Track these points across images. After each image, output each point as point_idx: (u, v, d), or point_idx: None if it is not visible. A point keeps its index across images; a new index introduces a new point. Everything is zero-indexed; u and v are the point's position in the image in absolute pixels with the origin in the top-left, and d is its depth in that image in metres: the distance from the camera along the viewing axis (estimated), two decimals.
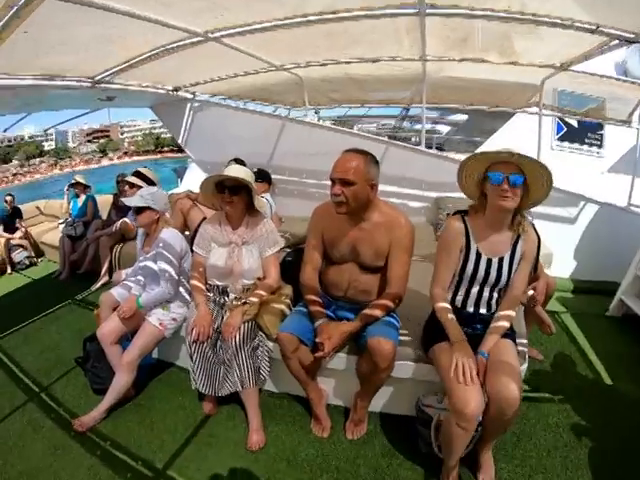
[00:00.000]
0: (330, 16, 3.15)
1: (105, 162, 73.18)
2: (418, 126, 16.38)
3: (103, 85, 4.35)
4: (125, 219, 5.08)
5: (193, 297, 2.83)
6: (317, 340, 2.26)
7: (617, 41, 3.17)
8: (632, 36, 3.03)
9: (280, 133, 5.71)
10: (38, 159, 71.27)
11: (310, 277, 2.54)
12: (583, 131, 7.78)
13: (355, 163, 2.20)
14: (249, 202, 2.76)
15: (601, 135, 7.78)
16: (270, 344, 2.69)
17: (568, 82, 5.08)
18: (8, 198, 6.73)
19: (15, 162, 68.60)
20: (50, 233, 6.68)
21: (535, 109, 5.58)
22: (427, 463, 2.36)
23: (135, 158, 72.11)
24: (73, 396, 3.08)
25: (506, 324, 2.17)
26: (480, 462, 2.25)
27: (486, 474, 2.23)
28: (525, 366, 2.39)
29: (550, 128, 7.53)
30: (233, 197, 2.65)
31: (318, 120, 7.75)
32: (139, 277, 3.10)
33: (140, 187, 3.78)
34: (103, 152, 78.51)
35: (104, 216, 6.07)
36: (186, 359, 2.77)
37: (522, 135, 6.14)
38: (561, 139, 7.81)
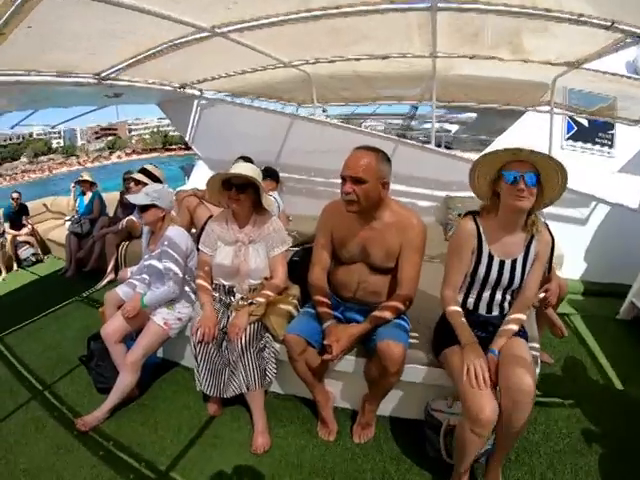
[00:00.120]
0: (338, 10, 3.10)
1: (113, 159, 73.45)
2: (426, 125, 16.31)
3: (109, 81, 4.32)
4: (131, 217, 5.06)
5: (198, 297, 2.79)
6: (325, 342, 2.22)
7: (631, 39, 3.11)
8: None
9: (288, 131, 5.66)
10: (46, 156, 71.64)
11: (318, 277, 2.49)
12: (594, 130, 7.69)
13: (367, 160, 2.15)
14: (256, 200, 2.71)
15: (612, 135, 7.68)
16: (277, 345, 2.65)
17: (578, 80, 5.02)
18: (15, 195, 6.75)
19: (23, 159, 68.99)
20: (56, 230, 6.72)
21: (546, 107, 5.51)
22: (435, 468, 2.32)
23: (144, 156, 72.30)
24: (76, 395, 3.06)
25: (515, 327, 2.11)
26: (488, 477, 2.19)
27: None
28: (538, 370, 2.33)
29: (560, 127, 7.45)
30: (240, 195, 2.60)
31: (326, 118, 7.70)
32: (144, 275, 3.07)
33: (146, 184, 3.74)
34: (111, 150, 78.77)
35: (111, 214, 6.08)
36: (191, 359, 2.73)
37: (532, 134, 6.05)
38: (571, 138, 7.73)
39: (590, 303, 4.43)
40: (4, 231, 6.54)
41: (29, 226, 6.79)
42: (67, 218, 6.44)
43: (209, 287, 2.78)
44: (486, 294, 2.18)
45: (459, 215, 2.52)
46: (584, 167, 6.89)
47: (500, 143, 7.38)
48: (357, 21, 3.31)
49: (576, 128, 7.70)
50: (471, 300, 2.22)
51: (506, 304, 2.20)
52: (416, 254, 2.29)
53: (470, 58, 4.29)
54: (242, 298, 2.68)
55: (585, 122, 7.60)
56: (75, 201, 6.18)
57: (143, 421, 2.77)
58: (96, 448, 2.55)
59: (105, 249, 5.26)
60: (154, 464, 2.44)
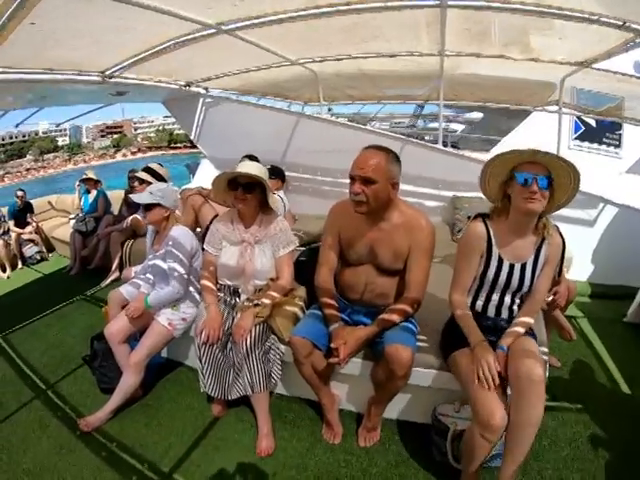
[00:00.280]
0: (348, 7, 3.07)
1: (119, 157, 73.70)
2: (432, 124, 16.29)
3: (114, 79, 4.31)
4: (136, 215, 5.05)
5: (203, 297, 2.77)
6: (332, 345, 2.19)
7: None
8: None
9: (294, 129, 5.62)
10: (52, 154, 71.97)
11: (325, 279, 2.45)
12: (601, 130, 7.66)
13: (376, 160, 2.11)
14: (263, 200, 2.67)
15: (619, 135, 7.65)
16: (282, 347, 2.62)
17: (586, 80, 4.97)
18: (19, 193, 6.77)
19: (29, 157, 69.29)
20: (61, 228, 6.72)
21: (553, 107, 5.47)
22: (441, 473, 2.29)
23: (149, 154, 72.53)
24: (80, 394, 3.05)
25: (522, 330, 2.08)
26: None
27: None
28: (546, 375, 2.30)
29: (568, 127, 7.40)
30: (247, 195, 2.56)
31: (331, 117, 7.69)
32: (148, 275, 3.04)
33: (150, 183, 3.72)
34: (116, 148, 79.01)
35: (115, 212, 6.08)
36: (195, 359, 2.69)
37: (539, 134, 6.03)
38: (579, 138, 7.69)
39: (597, 305, 4.37)
40: (9, 229, 6.54)
41: (34, 224, 6.79)
42: (72, 216, 6.45)
43: (214, 287, 2.75)
44: (495, 297, 2.16)
45: (468, 217, 2.48)
46: (591, 167, 6.84)
47: (507, 143, 7.37)
48: (366, 19, 3.28)
49: (583, 128, 7.67)
50: (480, 303, 2.19)
51: (515, 307, 2.17)
52: (425, 256, 2.25)
53: (478, 57, 4.26)
54: (247, 299, 2.65)
55: (593, 122, 7.57)
56: (80, 199, 6.16)
57: (146, 422, 2.75)
58: (99, 449, 2.53)
59: (110, 247, 5.24)
60: (157, 465, 2.42)
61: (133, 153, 77.03)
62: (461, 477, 2.13)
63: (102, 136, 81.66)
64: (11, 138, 68.59)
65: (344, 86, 6.30)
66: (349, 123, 5.80)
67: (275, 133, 5.68)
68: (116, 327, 2.81)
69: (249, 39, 3.77)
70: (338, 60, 4.70)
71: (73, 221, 6.08)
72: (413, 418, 2.65)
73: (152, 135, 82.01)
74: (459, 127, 15.88)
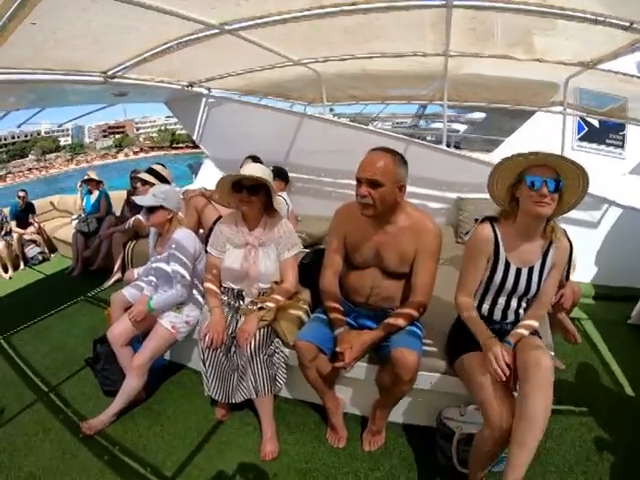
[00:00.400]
0: (353, 7, 3.04)
1: (121, 157, 73.73)
2: (434, 125, 16.25)
3: (116, 80, 4.29)
4: (138, 216, 5.03)
5: (207, 300, 2.74)
6: (337, 350, 2.16)
7: None
8: None
9: (297, 130, 5.60)
10: (54, 154, 72.01)
11: (330, 282, 2.42)
12: (604, 131, 7.60)
13: (383, 163, 2.09)
14: (267, 202, 2.65)
15: (623, 136, 7.59)
16: (286, 350, 2.60)
17: (589, 80, 4.94)
18: (21, 194, 6.77)
19: (31, 157, 69.35)
20: (63, 229, 6.71)
21: (557, 108, 5.45)
22: (446, 477, 2.29)
23: (151, 154, 72.55)
24: (82, 397, 3.04)
25: (526, 332, 2.06)
26: None
27: None
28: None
29: (571, 128, 7.36)
30: (251, 197, 2.54)
31: (333, 117, 7.65)
32: (151, 278, 3.02)
33: (153, 185, 3.70)
34: (118, 148, 79.04)
35: (118, 212, 6.07)
36: (199, 361, 2.68)
37: (542, 134, 6.00)
38: (582, 139, 7.64)
39: (601, 307, 4.36)
40: (11, 230, 6.54)
41: (36, 224, 6.81)
42: (74, 217, 6.42)
43: (218, 291, 2.73)
44: (501, 300, 2.15)
45: (476, 220, 2.47)
46: (595, 168, 6.81)
47: (510, 143, 7.36)
48: (369, 19, 3.26)
49: (587, 129, 7.62)
50: (486, 306, 2.18)
51: (521, 311, 2.16)
52: (431, 260, 2.23)
53: (482, 57, 4.24)
54: (251, 302, 2.63)
55: (596, 123, 7.52)
56: (82, 200, 6.16)
57: (149, 425, 2.74)
58: (101, 452, 2.52)
59: (112, 248, 5.25)
60: (160, 469, 2.41)
61: (135, 153, 76.98)
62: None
63: (104, 136, 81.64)
64: (13, 138, 68.64)
65: (347, 86, 6.27)
66: (352, 123, 5.77)
67: (278, 133, 5.66)
68: (119, 330, 2.80)
69: (252, 39, 3.74)
70: (341, 60, 4.68)
71: (75, 222, 6.06)
72: (418, 422, 2.64)
73: (154, 135, 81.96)
74: (461, 127, 15.83)
